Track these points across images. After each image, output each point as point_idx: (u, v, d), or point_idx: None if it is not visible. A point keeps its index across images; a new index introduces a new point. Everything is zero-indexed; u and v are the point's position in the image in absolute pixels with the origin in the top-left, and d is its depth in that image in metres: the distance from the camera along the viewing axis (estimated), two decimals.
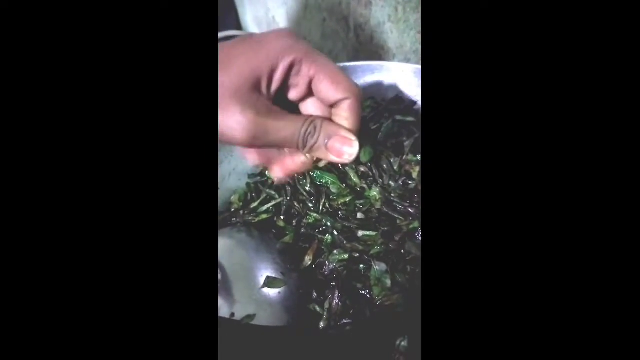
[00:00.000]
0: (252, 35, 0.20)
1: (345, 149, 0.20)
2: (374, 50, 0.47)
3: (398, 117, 0.33)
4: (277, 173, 0.22)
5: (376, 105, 0.34)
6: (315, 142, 0.20)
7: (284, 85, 0.20)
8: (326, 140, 0.20)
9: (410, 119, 0.33)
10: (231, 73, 0.18)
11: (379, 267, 0.26)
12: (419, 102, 0.33)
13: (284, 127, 0.19)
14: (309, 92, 0.21)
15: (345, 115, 0.20)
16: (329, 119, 0.21)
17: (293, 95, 0.21)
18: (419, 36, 0.39)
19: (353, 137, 0.20)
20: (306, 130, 0.20)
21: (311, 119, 0.20)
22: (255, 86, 0.19)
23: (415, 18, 0.38)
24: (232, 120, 0.17)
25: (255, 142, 0.18)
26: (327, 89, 0.20)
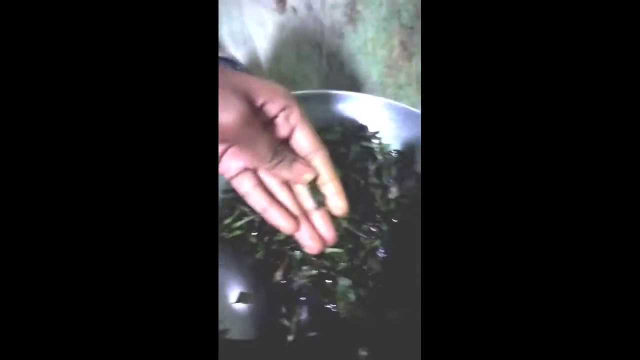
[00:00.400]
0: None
1: (305, 175, 0.23)
2: (343, 77, 0.50)
3: (364, 144, 0.36)
4: (311, 249, 0.24)
5: (344, 131, 0.37)
6: (282, 160, 0.23)
7: (270, 124, 0.23)
8: (292, 162, 0.23)
9: (374, 145, 0.36)
10: (236, 77, 0.20)
11: (343, 282, 0.28)
12: (381, 132, 0.37)
13: (262, 140, 0.21)
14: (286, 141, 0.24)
15: (320, 167, 0.24)
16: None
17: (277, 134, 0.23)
18: (385, 70, 0.44)
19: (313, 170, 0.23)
20: (277, 149, 0.22)
21: (283, 144, 0.23)
22: (252, 101, 0.21)
23: (383, 54, 0.42)
24: (228, 104, 0.19)
25: (237, 133, 0.20)
26: (306, 139, 0.23)
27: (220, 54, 0.55)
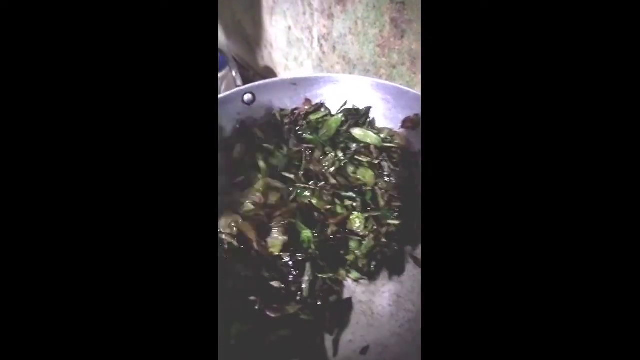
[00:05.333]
0: None
1: None
2: (336, 60, 0.49)
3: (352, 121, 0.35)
4: None
5: (328, 111, 0.36)
6: None
7: None
8: None
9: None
10: None
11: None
12: (371, 108, 0.36)
13: None
14: None
15: None
16: None
17: None
18: (378, 49, 0.42)
19: None
20: None
21: None
22: None
23: (374, 32, 0.41)
24: None
25: None
26: None
27: None
